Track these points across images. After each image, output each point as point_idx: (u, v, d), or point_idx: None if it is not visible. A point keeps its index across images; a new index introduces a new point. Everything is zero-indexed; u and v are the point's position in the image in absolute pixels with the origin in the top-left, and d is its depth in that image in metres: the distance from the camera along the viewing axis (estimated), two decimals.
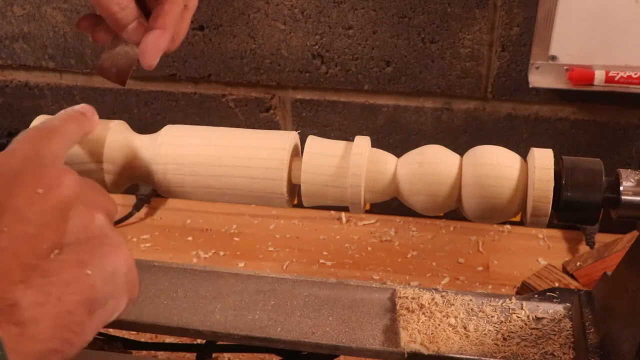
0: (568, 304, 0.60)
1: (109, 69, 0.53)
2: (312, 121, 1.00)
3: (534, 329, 0.58)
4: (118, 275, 0.32)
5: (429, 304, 0.60)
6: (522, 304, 0.60)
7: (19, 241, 0.30)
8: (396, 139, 0.99)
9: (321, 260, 0.96)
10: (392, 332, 0.58)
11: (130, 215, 1.04)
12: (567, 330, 0.58)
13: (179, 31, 0.56)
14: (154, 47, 0.52)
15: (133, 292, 0.34)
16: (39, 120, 0.51)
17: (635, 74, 0.83)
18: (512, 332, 0.58)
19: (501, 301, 0.61)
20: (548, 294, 0.62)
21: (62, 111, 0.45)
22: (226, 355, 0.79)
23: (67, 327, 0.30)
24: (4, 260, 0.29)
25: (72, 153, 0.49)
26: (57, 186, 0.32)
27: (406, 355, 0.56)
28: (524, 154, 0.49)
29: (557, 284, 0.86)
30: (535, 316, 0.59)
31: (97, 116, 0.48)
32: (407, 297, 0.61)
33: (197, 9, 0.57)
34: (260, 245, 1.00)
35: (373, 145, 0.51)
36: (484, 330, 0.58)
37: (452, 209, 0.50)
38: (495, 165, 0.47)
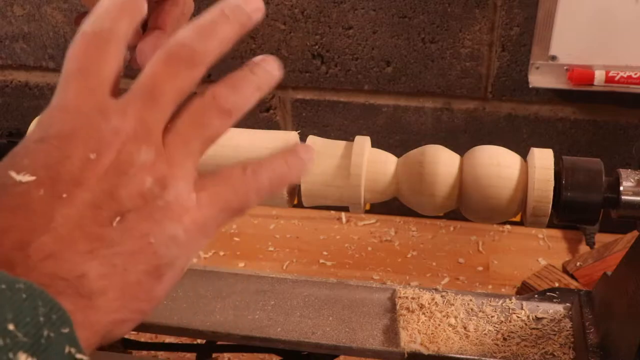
0: (568, 304, 0.60)
1: None
2: (312, 121, 1.00)
3: (534, 329, 0.58)
4: (179, 239, 0.31)
5: (429, 304, 0.60)
6: (522, 304, 0.60)
7: (80, 209, 0.29)
8: (396, 139, 0.99)
9: (321, 260, 0.96)
10: (392, 332, 0.58)
11: None
12: (567, 330, 0.58)
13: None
14: (153, 46, 0.52)
15: (198, 248, 0.32)
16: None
17: (635, 74, 0.83)
18: (512, 332, 0.58)
19: (501, 301, 0.61)
20: (548, 294, 0.62)
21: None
22: (226, 355, 0.79)
23: (135, 297, 0.30)
24: (69, 229, 0.28)
25: None
26: (107, 149, 0.30)
27: (406, 355, 0.56)
28: (524, 154, 0.49)
29: (557, 284, 0.86)
30: (535, 316, 0.59)
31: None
32: (407, 297, 0.61)
33: (196, 9, 0.57)
34: (260, 245, 1.00)
35: (373, 145, 0.51)
36: (484, 330, 0.58)
37: (452, 209, 0.50)
38: (495, 165, 0.47)
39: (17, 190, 0.28)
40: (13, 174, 0.29)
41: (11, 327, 0.24)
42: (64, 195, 0.29)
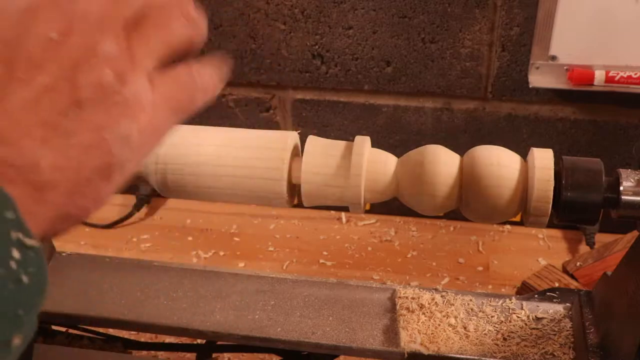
0: (568, 304, 0.60)
1: None
2: (312, 121, 1.00)
3: (534, 329, 0.58)
4: (132, 139, 0.29)
5: (429, 304, 0.60)
6: (522, 304, 0.60)
7: (37, 92, 0.27)
8: (396, 139, 0.99)
9: (321, 260, 0.96)
10: (392, 332, 0.58)
11: (130, 215, 1.04)
12: (567, 330, 0.58)
13: None
14: None
15: (147, 154, 0.31)
16: None
17: (635, 74, 0.83)
18: (512, 332, 0.58)
19: (501, 301, 0.61)
20: (548, 294, 0.62)
21: None
22: (226, 355, 0.79)
23: (84, 194, 0.28)
24: (25, 114, 0.26)
25: None
26: (69, 32, 0.28)
27: (406, 355, 0.56)
28: (524, 154, 0.49)
29: (557, 284, 0.86)
30: (535, 316, 0.59)
31: None
32: (407, 297, 0.61)
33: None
34: (260, 245, 1.00)
35: (373, 145, 0.51)
36: (484, 330, 0.58)
37: (452, 209, 0.50)
38: (495, 165, 0.47)
39: None
40: None
41: None
42: (21, 76, 0.27)
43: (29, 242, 0.24)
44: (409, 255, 0.97)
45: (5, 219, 0.23)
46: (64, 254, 0.67)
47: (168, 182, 0.51)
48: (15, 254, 0.23)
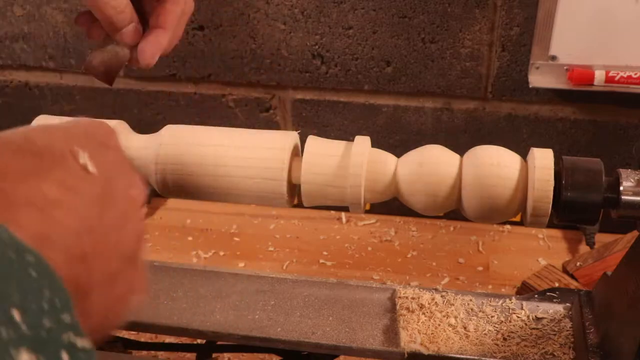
0: (568, 304, 0.60)
1: (97, 67, 0.53)
2: (312, 121, 1.00)
3: (534, 329, 0.58)
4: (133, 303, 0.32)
5: (429, 304, 0.60)
6: (522, 304, 0.60)
7: (106, 232, 0.28)
8: (396, 139, 0.99)
9: (321, 260, 0.96)
10: (392, 332, 0.58)
11: None
12: (567, 330, 0.58)
13: (175, 34, 0.56)
14: (154, 45, 0.52)
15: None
16: (39, 120, 0.51)
17: (635, 74, 0.83)
18: (512, 332, 0.58)
19: (501, 301, 0.61)
20: (548, 294, 0.62)
21: None
22: (226, 355, 0.79)
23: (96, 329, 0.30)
24: (89, 245, 0.27)
25: None
26: (140, 197, 0.32)
27: (406, 355, 0.56)
28: (524, 154, 0.49)
29: (557, 284, 0.86)
30: (535, 316, 0.59)
31: None
32: (407, 297, 0.61)
33: (196, 9, 0.57)
34: (260, 245, 1.00)
35: (373, 145, 0.51)
36: (484, 330, 0.58)
37: (452, 209, 0.50)
38: (495, 165, 0.47)
39: (76, 171, 0.28)
40: (87, 160, 0.28)
41: (16, 315, 0.19)
42: (108, 222, 0.28)
43: (82, 343, 0.22)
44: (409, 255, 0.97)
45: (62, 322, 0.22)
46: None
47: (168, 182, 0.51)
48: (65, 357, 0.21)
